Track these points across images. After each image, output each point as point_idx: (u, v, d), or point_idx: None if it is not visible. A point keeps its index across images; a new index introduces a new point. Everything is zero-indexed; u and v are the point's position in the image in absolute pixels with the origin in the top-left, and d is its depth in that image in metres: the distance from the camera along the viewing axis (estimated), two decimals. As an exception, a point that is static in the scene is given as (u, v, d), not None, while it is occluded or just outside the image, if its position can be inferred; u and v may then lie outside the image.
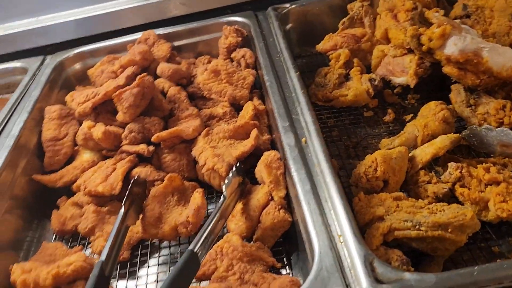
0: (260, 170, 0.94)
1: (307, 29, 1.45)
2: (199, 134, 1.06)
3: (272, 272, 0.83)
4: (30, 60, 1.36)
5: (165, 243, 0.96)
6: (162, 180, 0.97)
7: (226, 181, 0.88)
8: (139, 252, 0.94)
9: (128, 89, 1.07)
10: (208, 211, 0.98)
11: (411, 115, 1.13)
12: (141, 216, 0.91)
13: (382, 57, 1.22)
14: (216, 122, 1.13)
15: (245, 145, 1.01)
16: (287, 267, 0.87)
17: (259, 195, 0.91)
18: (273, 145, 1.04)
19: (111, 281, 0.77)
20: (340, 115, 1.19)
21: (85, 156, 1.11)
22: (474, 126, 0.97)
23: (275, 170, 0.91)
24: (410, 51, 1.13)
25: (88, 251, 0.96)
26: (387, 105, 1.20)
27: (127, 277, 0.90)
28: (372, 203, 0.82)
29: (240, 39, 1.31)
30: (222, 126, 1.08)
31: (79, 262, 0.82)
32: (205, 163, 0.98)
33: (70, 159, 1.12)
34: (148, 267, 0.92)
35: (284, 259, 0.88)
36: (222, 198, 0.85)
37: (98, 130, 1.06)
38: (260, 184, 0.96)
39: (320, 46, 1.32)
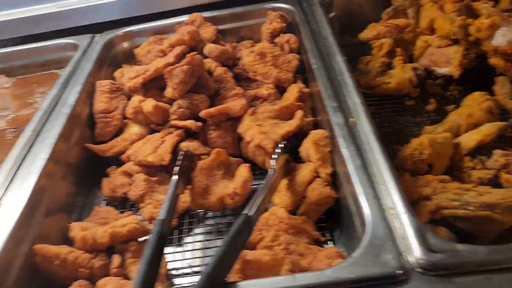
0: (307, 148, 0.96)
1: (348, 19, 1.46)
2: (245, 113, 1.09)
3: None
4: (80, 37, 1.41)
5: (210, 214, 1.00)
6: (208, 155, 1.00)
7: (275, 156, 0.91)
8: (186, 221, 0.98)
9: (178, 66, 1.11)
10: (253, 186, 1.01)
11: (454, 105, 1.13)
12: (189, 187, 0.95)
13: (425, 47, 1.23)
14: (260, 103, 1.15)
15: (290, 125, 1.03)
16: (330, 242, 0.89)
17: (305, 172, 0.94)
18: (316, 127, 1.07)
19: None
20: (381, 103, 1.20)
21: (134, 129, 1.15)
22: (520, 116, 0.98)
23: (323, 148, 0.94)
24: (455, 42, 1.15)
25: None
26: (429, 95, 1.21)
27: (175, 243, 0.94)
28: (418, 183, 0.84)
29: (284, 24, 1.33)
30: (267, 106, 1.11)
31: (133, 223, 0.86)
32: (252, 140, 1.01)
33: (118, 132, 1.17)
34: (194, 235, 0.95)
35: (327, 234, 0.90)
36: (271, 171, 0.87)
37: (149, 104, 1.10)
38: (304, 163, 0.99)
39: (363, 35, 1.35)
